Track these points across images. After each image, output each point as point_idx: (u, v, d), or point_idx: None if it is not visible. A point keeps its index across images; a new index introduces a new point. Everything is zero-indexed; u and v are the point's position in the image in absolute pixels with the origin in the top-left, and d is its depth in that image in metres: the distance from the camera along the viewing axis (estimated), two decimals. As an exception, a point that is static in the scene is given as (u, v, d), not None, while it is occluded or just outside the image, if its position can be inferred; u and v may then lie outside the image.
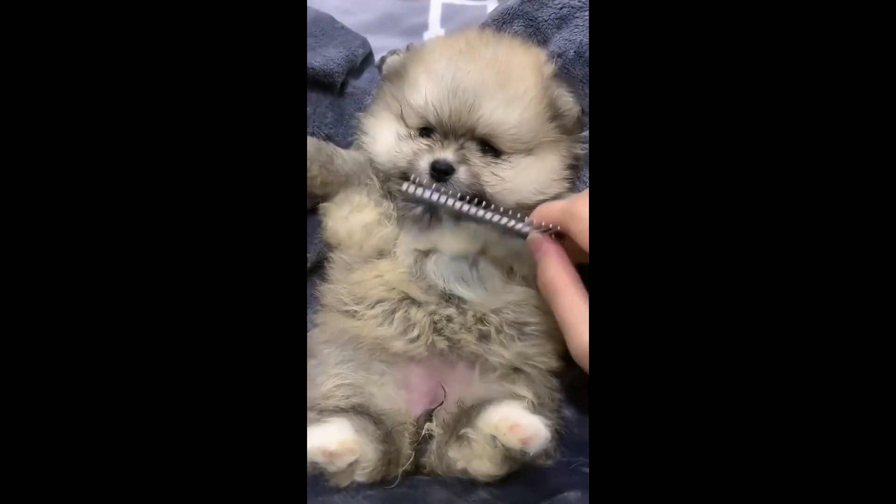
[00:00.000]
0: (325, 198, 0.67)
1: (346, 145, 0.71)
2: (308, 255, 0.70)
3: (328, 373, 0.61)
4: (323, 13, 0.77)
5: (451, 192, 0.58)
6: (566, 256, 0.55)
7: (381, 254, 0.63)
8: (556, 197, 0.63)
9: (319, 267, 0.68)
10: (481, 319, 0.60)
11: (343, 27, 0.77)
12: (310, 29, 0.72)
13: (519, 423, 0.52)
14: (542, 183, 0.63)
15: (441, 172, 0.59)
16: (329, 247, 0.67)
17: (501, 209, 0.57)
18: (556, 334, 0.58)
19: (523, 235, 0.57)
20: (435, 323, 0.60)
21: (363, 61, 0.78)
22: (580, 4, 0.71)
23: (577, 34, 0.70)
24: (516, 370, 0.61)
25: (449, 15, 0.97)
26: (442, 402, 0.60)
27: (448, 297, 0.61)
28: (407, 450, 0.59)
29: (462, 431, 0.55)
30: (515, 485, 0.55)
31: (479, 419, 0.55)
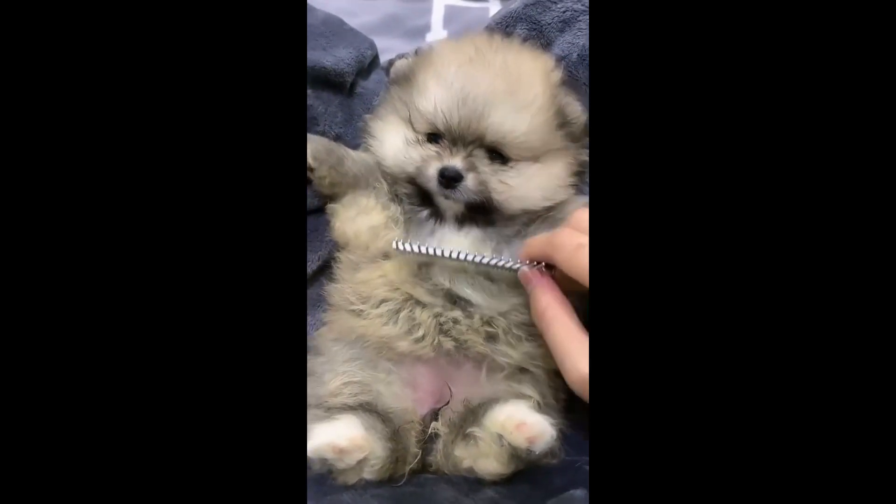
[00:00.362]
0: (334, 198, 0.67)
1: (356, 146, 0.71)
2: (318, 253, 0.70)
3: (336, 370, 0.61)
4: (333, 15, 0.77)
5: (439, 247, 0.60)
6: (556, 286, 0.56)
7: (386, 255, 0.63)
8: (561, 203, 0.63)
9: (328, 266, 0.68)
10: (489, 322, 0.60)
11: (351, 29, 0.77)
12: (320, 29, 0.73)
13: (525, 422, 0.53)
14: (549, 190, 0.63)
15: (450, 180, 0.60)
16: (339, 246, 0.67)
17: (492, 255, 0.60)
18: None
19: (515, 272, 0.59)
20: (441, 324, 0.60)
21: (370, 63, 0.78)
22: (583, 8, 0.72)
23: (581, 37, 0.70)
24: (522, 370, 0.61)
25: (451, 16, 0.97)
26: (448, 402, 0.60)
27: (454, 300, 0.61)
28: (414, 448, 0.59)
29: (468, 430, 0.56)
30: (521, 483, 0.55)
31: (486, 418, 0.55)
